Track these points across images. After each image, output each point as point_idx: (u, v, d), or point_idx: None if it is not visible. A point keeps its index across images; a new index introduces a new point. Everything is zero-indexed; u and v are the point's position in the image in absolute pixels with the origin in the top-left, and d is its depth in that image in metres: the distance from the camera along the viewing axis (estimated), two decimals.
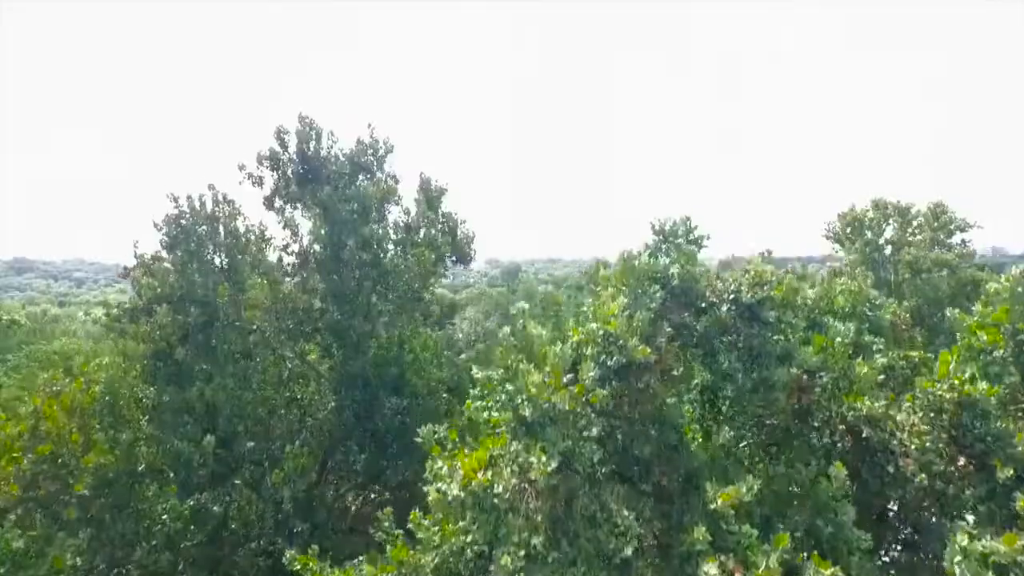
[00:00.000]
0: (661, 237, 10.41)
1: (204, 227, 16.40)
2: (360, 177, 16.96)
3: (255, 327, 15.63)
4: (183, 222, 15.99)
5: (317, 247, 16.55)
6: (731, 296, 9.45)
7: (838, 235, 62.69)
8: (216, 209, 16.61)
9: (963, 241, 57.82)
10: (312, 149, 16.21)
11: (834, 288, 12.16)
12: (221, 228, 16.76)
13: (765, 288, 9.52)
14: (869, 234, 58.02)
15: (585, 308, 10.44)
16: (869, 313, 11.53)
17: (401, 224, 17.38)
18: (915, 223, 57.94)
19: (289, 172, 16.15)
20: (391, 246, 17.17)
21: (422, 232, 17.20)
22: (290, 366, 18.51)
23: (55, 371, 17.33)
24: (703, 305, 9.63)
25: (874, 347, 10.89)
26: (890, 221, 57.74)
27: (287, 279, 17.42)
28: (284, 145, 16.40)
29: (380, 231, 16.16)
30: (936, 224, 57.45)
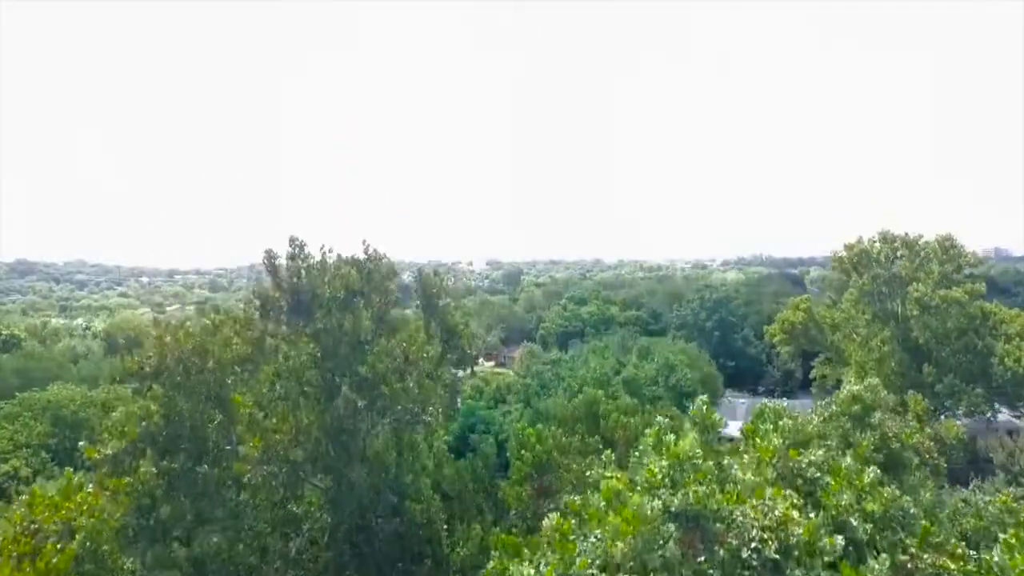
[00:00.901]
0: (676, 462, 9.61)
1: (194, 359, 15.61)
2: (357, 299, 16.17)
3: (247, 478, 14.84)
4: (168, 358, 15.20)
5: (311, 378, 15.75)
6: (753, 544, 8.70)
7: (845, 266, 61.94)
8: (205, 339, 15.82)
9: (972, 275, 56.96)
10: (303, 276, 15.42)
11: (863, 480, 11.32)
12: (210, 358, 15.97)
13: (792, 537, 8.76)
14: (877, 268, 57.22)
15: (594, 541, 9.64)
16: (902, 518, 10.68)
17: (400, 353, 16.56)
18: (922, 253, 57.10)
19: (280, 303, 15.36)
20: (390, 372, 16.32)
21: (422, 361, 16.33)
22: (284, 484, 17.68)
23: (39, 504, 16.54)
24: (719, 549, 8.86)
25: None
26: (898, 254, 56.90)
27: (280, 403, 16.61)
28: (274, 271, 15.61)
29: (378, 364, 15.35)
30: (945, 257, 56.58)
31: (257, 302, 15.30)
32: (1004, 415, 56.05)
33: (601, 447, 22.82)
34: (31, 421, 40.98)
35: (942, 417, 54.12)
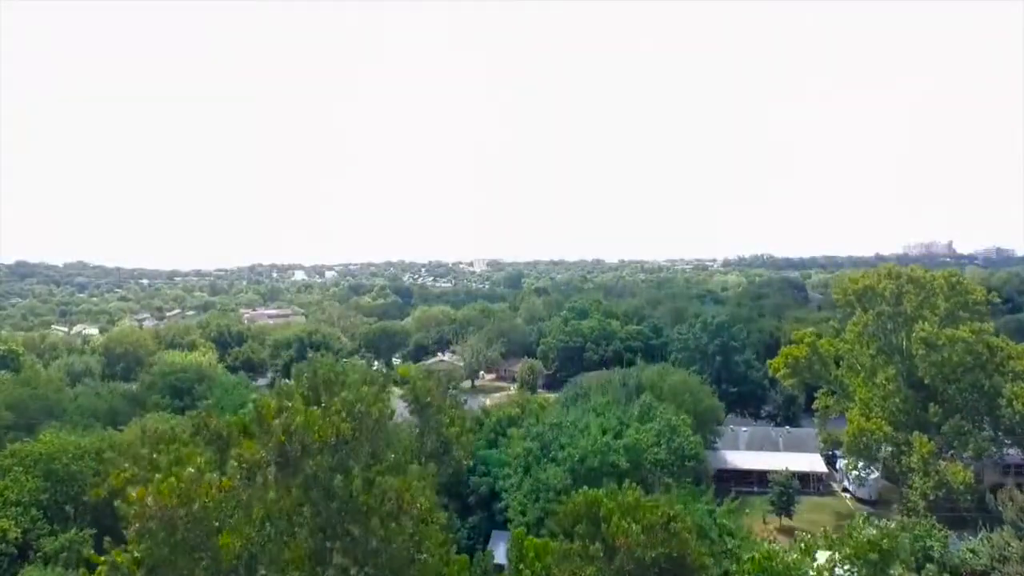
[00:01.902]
0: None
1: (179, 510, 14.89)
2: (348, 446, 15.43)
3: None
4: (150, 520, 14.47)
5: (301, 527, 15.03)
6: None
7: (849, 298, 61.19)
8: (191, 488, 15.10)
9: (979, 312, 56.17)
10: (293, 431, 14.67)
11: None
12: (196, 502, 15.25)
13: None
14: (883, 304, 56.46)
15: None
16: None
17: (393, 496, 15.80)
18: (928, 287, 56.35)
19: (268, 462, 14.62)
20: (384, 515, 15.59)
21: (416, 509, 15.56)
22: None
23: None
24: None
25: None
26: (904, 291, 56.08)
27: (271, 545, 15.89)
28: (261, 422, 14.87)
29: (372, 521, 14.62)
30: (951, 292, 55.84)
31: (244, 468, 14.57)
32: (1013, 452, 55.29)
33: (602, 553, 22.18)
34: (22, 476, 40.25)
35: (949, 453, 53.43)
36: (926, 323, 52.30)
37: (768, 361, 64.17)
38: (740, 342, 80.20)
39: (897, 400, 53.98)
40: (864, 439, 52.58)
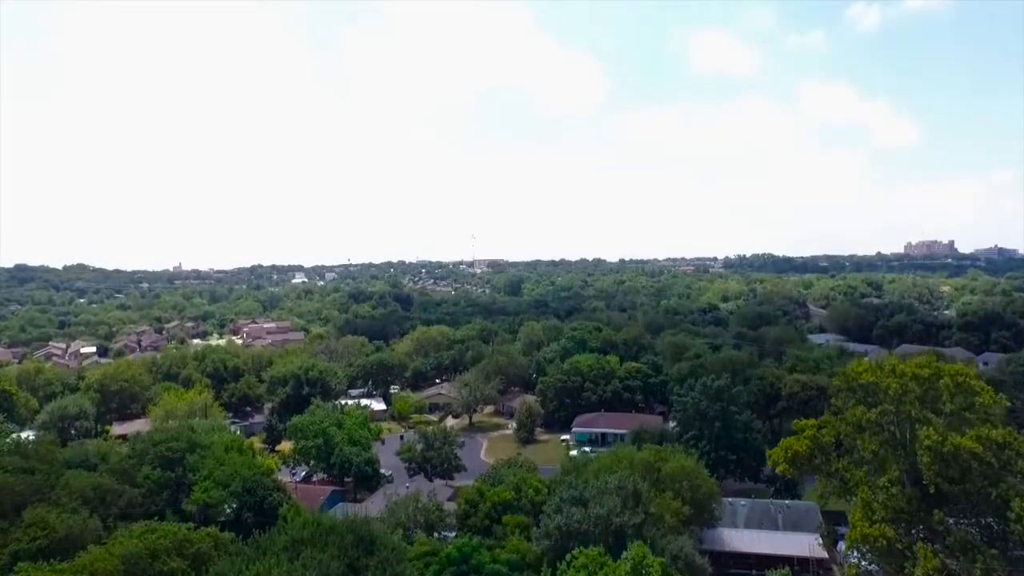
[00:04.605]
0: None
1: None
2: None
3: None
4: None
5: None
6: None
7: (854, 388, 59.42)
8: None
9: (986, 413, 54.40)
10: None
11: None
12: None
13: None
14: (886, 403, 54.78)
15: None
16: None
17: None
18: (932, 383, 54.57)
19: None
20: None
21: None
22: None
23: None
24: None
25: None
26: (908, 390, 54.37)
27: None
28: None
29: None
30: (956, 390, 54.11)
31: None
32: None
33: None
34: None
35: (957, 559, 51.79)
36: (931, 428, 50.64)
37: (768, 452, 62.66)
38: (739, 406, 78.94)
39: (901, 502, 52.51)
40: (867, 545, 51.25)
